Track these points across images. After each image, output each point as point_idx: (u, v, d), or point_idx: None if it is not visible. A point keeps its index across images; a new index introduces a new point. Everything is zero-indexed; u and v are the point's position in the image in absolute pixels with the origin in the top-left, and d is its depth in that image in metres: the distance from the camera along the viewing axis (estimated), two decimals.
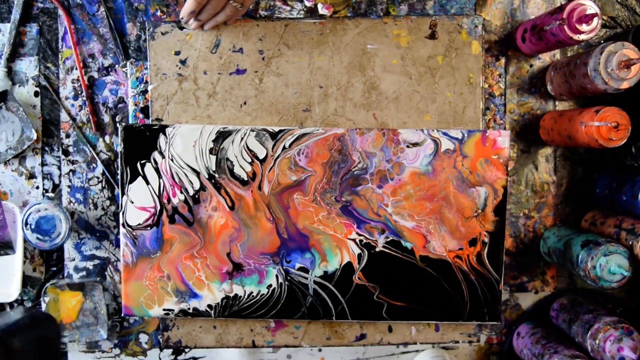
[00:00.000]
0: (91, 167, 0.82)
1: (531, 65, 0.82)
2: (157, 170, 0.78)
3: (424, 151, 0.78)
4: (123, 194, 0.79)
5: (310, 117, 0.80)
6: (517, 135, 0.83)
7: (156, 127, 0.78)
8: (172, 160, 0.78)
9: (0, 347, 0.58)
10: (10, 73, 0.81)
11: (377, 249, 0.79)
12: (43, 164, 0.82)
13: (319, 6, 0.80)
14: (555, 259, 0.78)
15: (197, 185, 0.79)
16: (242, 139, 0.78)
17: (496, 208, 0.79)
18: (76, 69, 0.81)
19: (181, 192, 0.79)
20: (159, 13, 0.81)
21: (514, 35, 0.81)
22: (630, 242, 0.72)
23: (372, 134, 0.78)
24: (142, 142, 0.78)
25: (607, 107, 0.70)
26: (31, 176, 0.82)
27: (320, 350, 0.85)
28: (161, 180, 0.79)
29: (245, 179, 0.79)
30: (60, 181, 0.82)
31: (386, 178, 0.78)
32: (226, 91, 0.80)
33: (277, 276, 0.80)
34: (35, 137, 0.80)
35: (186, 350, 0.85)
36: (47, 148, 0.82)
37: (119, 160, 0.80)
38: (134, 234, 0.79)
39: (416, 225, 0.79)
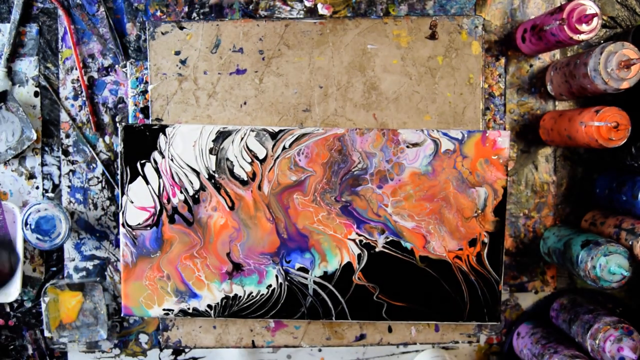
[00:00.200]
0: (91, 167, 0.82)
1: (531, 65, 0.82)
2: (157, 170, 0.78)
3: (423, 151, 0.78)
4: (123, 194, 0.79)
5: (310, 117, 0.80)
6: (517, 135, 0.83)
7: (156, 127, 0.78)
8: (172, 160, 0.78)
9: None
10: (10, 73, 0.81)
11: (377, 249, 0.79)
12: (43, 164, 0.82)
13: (319, 6, 0.80)
14: (555, 259, 0.78)
15: (197, 185, 0.79)
16: (242, 139, 0.78)
17: (496, 208, 0.79)
18: (76, 69, 0.81)
19: (181, 192, 0.79)
20: (159, 13, 0.81)
21: (514, 35, 0.81)
22: (630, 242, 0.72)
23: (372, 134, 0.78)
24: (142, 142, 0.78)
25: (607, 107, 0.70)
26: (31, 176, 0.82)
27: (320, 350, 0.85)
28: (161, 180, 0.79)
29: (245, 179, 0.79)
30: (60, 181, 0.82)
31: (386, 178, 0.78)
32: (226, 91, 0.80)
33: (276, 276, 0.80)
34: (35, 137, 0.80)
35: (186, 350, 0.85)
36: (47, 148, 0.82)
37: (119, 160, 0.80)
38: (134, 234, 0.79)
39: (416, 226, 0.79)
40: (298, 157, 0.78)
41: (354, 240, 0.79)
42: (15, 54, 0.81)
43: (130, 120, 0.81)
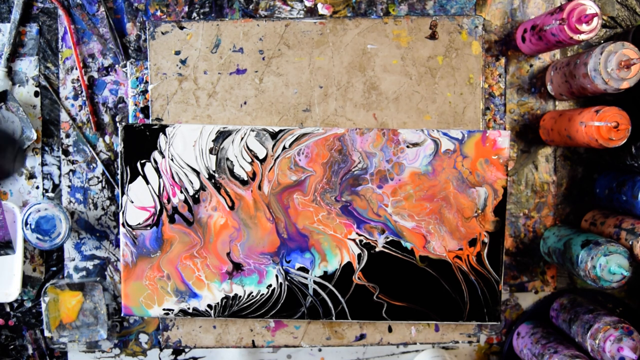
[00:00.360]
0: (91, 167, 0.82)
1: (531, 65, 0.82)
2: (157, 170, 0.78)
3: (424, 151, 0.78)
4: (123, 193, 0.79)
5: (310, 117, 0.80)
6: (517, 135, 0.83)
7: (156, 126, 0.78)
8: (172, 160, 0.78)
9: None
10: (10, 73, 0.81)
11: (377, 249, 0.79)
12: (43, 164, 0.82)
13: (319, 6, 0.80)
14: (555, 259, 0.78)
15: (197, 185, 0.79)
16: (242, 138, 0.78)
17: (496, 208, 0.79)
18: (76, 69, 0.81)
19: (181, 192, 0.79)
20: (159, 13, 0.81)
21: (514, 35, 0.81)
22: (630, 242, 0.72)
23: (372, 134, 0.78)
24: (142, 141, 0.78)
25: (607, 107, 0.70)
26: (31, 176, 0.82)
27: (320, 350, 0.85)
28: (161, 180, 0.79)
29: (245, 178, 0.79)
30: (60, 181, 0.82)
31: (386, 178, 0.78)
32: (226, 91, 0.80)
33: (276, 276, 0.80)
34: (35, 137, 0.80)
35: (186, 350, 0.85)
36: (47, 148, 0.82)
37: (119, 160, 0.80)
38: (134, 233, 0.79)
39: (416, 226, 0.79)
40: (298, 157, 0.78)
41: (354, 240, 0.79)
42: (15, 53, 0.81)
43: (131, 120, 0.81)
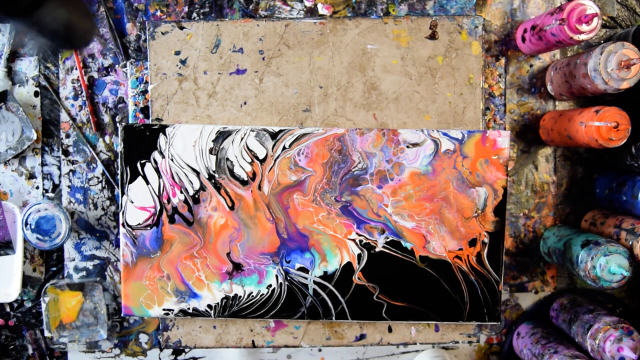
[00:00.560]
0: (91, 167, 0.82)
1: (531, 65, 0.82)
2: (157, 170, 0.78)
3: (424, 151, 0.78)
4: (123, 194, 0.79)
5: (310, 117, 0.80)
6: (517, 135, 0.83)
7: (156, 127, 0.78)
8: (172, 160, 0.78)
9: None
10: (10, 73, 0.81)
11: (377, 249, 0.79)
12: (43, 164, 0.82)
13: (319, 6, 0.80)
14: (555, 259, 0.78)
15: (197, 185, 0.79)
16: (242, 139, 0.78)
17: (496, 208, 0.79)
18: (76, 69, 0.81)
19: (181, 192, 0.79)
20: (159, 13, 0.81)
21: (514, 35, 0.81)
22: (630, 242, 0.72)
23: (372, 134, 0.78)
24: (142, 142, 0.78)
25: (607, 107, 0.70)
26: (31, 176, 0.82)
27: (320, 350, 0.85)
28: (161, 180, 0.79)
29: (245, 179, 0.79)
30: (60, 181, 0.82)
31: (386, 178, 0.78)
32: (226, 91, 0.80)
33: (276, 276, 0.80)
34: (35, 137, 0.80)
35: (186, 350, 0.85)
36: (47, 148, 0.82)
37: (119, 160, 0.80)
38: (134, 233, 0.79)
39: (416, 226, 0.79)
40: (298, 157, 0.78)
41: (354, 240, 0.79)
42: (15, 53, 0.81)
43: (130, 120, 0.81)
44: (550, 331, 0.81)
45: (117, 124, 0.82)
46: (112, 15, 0.81)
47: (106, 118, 0.82)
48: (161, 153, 0.78)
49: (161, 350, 0.85)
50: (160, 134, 0.78)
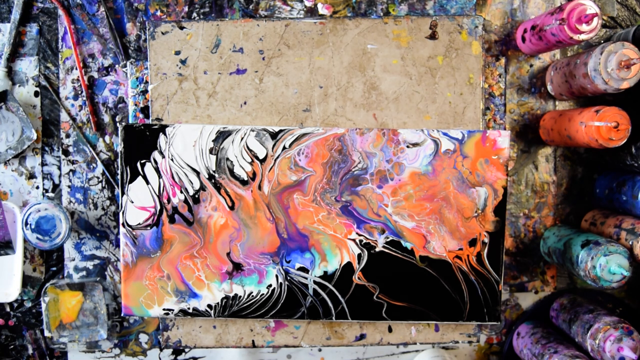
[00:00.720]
0: (91, 167, 0.82)
1: (531, 65, 0.82)
2: (157, 170, 0.78)
3: (424, 151, 0.78)
4: (123, 193, 0.79)
5: (310, 117, 0.80)
6: (517, 135, 0.83)
7: (156, 126, 0.78)
8: (172, 160, 0.78)
9: None
10: (10, 73, 0.81)
11: (377, 249, 0.79)
12: (43, 164, 0.82)
13: (319, 6, 0.80)
14: (555, 259, 0.78)
15: (197, 185, 0.79)
16: (242, 139, 0.78)
17: (496, 208, 0.79)
18: (76, 69, 0.81)
19: (181, 192, 0.79)
20: (159, 13, 0.81)
21: (514, 35, 0.81)
22: (630, 242, 0.72)
23: (372, 134, 0.78)
24: (142, 141, 0.78)
25: (607, 107, 0.70)
26: (31, 176, 0.82)
27: (320, 350, 0.85)
28: (161, 180, 0.79)
29: (245, 178, 0.79)
30: (60, 181, 0.83)
31: (386, 178, 0.78)
32: (226, 91, 0.80)
33: (276, 276, 0.80)
34: (35, 137, 0.80)
35: (186, 350, 0.85)
36: (47, 148, 0.82)
37: (119, 160, 0.80)
38: (134, 233, 0.79)
39: (416, 226, 0.79)
40: (298, 157, 0.78)
41: (354, 240, 0.79)
42: (15, 53, 0.81)
43: (131, 120, 0.81)
44: (550, 331, 0.81)
45: (117, 124, 0.82)
46: (112, 15, 0.81)
47: (106, 118, 0.82)
48: (161, 153, 0.78)
49: (161, 350, 0.85)
50: (160, 134, 0.78)
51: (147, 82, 0.80)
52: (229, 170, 0.78)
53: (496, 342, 0.85)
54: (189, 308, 0.80)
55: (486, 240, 0.79)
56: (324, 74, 0.80)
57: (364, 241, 0.79)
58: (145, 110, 0.81)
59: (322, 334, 0.83)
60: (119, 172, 0.80)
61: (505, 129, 0.82)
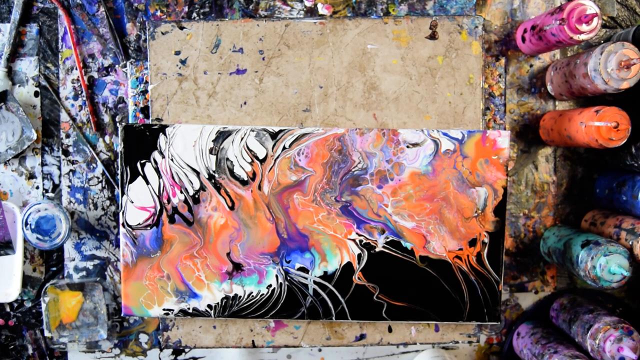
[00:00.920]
0: (91, 167, 0.82)
1: (531, 65, 0.82)
2: (157, 170, 0.78)
3: (424, 151, 0.78)
4: (123, 194, 0.79)
5: (310, 117, 0.80)
6: (517, 135, 0.83)
7: (156, 127, 0.78)
8: (172, 160, 0.78)
9: None
10: (10, 73, 0.81)
11: (377, 249, 0.79)
12: (43, 164, 0.82)
13: (319, 6, 0.80)
14: (555, 259, 0.78)
15: (197, 185, 0.79)
16: (242, 139, 0.78)
17: (496, 208, 0.79)
18: (76, 69, 0.81)
19: (181, 192, 0.79)
20: (159, 13, 0.81)
21: (514, 35, 0.81)
22: (630, 242, 0.72)
23: (372, 134, 0.78)
24: (142, 142, 0.78)
25: (607, 107, 0.70)
26: (31, 176, 0.82)
27: (320, 350, 0.85)
28: (161, 180, 0.79)
29: (245, 179, 0.79)
30: (60, 181, 0.83)
31: (386, 178, 0.78)
32: (226, 91, 0.80)
33: (276, 276, 0.80)
34: (35, 137, 0.80)
35: (186, 350, 0.85)
36: (47, 148, 0.82)
37: (119, 160, 0.80)
38: (134, 233, 0.79)
39: (416, 226, 0.79)
40: (298, 157, 0.78)
41: (354, 240, 0.79)
42: (15, 53, 0.81)
43: (130, 120, 0.81)
44: (550, 331, 0.81)
45: (117, 124, 0.82)
46: (112, 15, 0.81)
47: (106, 118, 0.82)
48: (161, 153, 0.78)
49: (161, 350, 0.85)
50: (160, 134, 0.78)
51: (147, 82, 0.80)
52: (229, 170, 0.79)
53: (496, 342, 0.85)
54: (189, 308, 0.80)
55: (486, 240, 0.79)
56: (324, 74, 0.80)
57: (364, 241, 0.79)
58: (145, 110, 0.81)
59: (322, 334, 0.83)
60: (119, 172, 0.80)
61: (505, 129, 0.82)
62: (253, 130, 0.78)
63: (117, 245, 0.83)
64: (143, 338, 0.84)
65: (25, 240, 0.78)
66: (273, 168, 0.78)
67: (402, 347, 0.85)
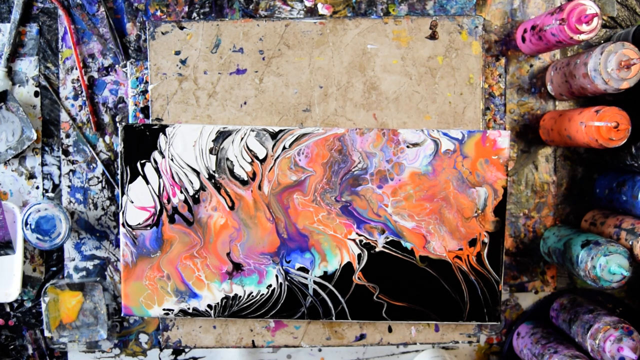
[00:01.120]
0: (91, 167, 0.82)
1: (531, 65, 0.82)
2: (157, 170, 0.78)
3: (424, 151, 0.78)
4: (123, 193, 0.79)
5: (311, 117, 0.80)
6: (517, 135, 0.83)
7: (156, 126, 0.78)
8: (172, 160, 0.78)
9: None
10: (10, 73, 0.81)
11: (377, 249, 0.79)
12: (43, 164, 0.82)
13: (319, 6, 0.80)
14: (555, 259, 0.78)
15: (197, 185, 0.79)
16: (242, 139, 0.78)
17: (496, 208, 0.79)
18: (76, 69, 0.81)
19: (181, 192, 0.79)
20: (159, 13, 0.81)
21: (514, 35, 0.81)
22: (630, 242, 0.72)
23: (372, 134, 0.78)
24: (142, 141, 0.78)
25: (607, 107, 0.70)
26: (31, 176, 0.82)
27: (320, 350, 0.85)
28: (161, 180, 0.79)
29: (245, 179, 0.79)
30: (60, 181, 0.83)
31: (386, 178, 0.78)
32: (226, 91, 0.80)
33: (276, 276, 0.80)
34: (35, 137, 0.80)
35: (186, 350, 0.85)
36: (47, 148, 0.82)
37: (119, 160, 0.80)
38: (134, 233, 0.79)
39: (416, 226, 0.79)
40: (298, 157, 0.78)
41: (354, 240, 0.79)
42: (15, 53, 0.81)
43: (131, 120, 0.81)
44: (550, 331, 0.81)
45: (117, 124, 0.82)
46: (112, 15, 0.81)
47: (106, 118, 0.82)
48: (161, 153, 0.78)
49: (161, 350, 0.85)
50: (160, 134, 0.78)
51: (147, 82, 0.80)
52: (229, 170, 0.79)
53: (496, 342, 0.85)
54: (189, 308, 0.80)
55: (486, 240, 0.79)
56: (324, 74, 0.80)
57: (364, 241, 0.79)
58: (145, 110, 0.81)
59: (322, 334, 0.83)
60: (119, 172, 0.80)
61: (505, 129, 0.82)
62: (253, 130, 0.78)
63: (117, 245, 0.83)
64: (143, 338, 0.84)
65: (25, 240, 0.78)
66: (273, 168, 0.78)
67: (402, 347, 0.85)
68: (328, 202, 0.79)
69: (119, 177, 0.80)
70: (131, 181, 0.79)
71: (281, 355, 0.85)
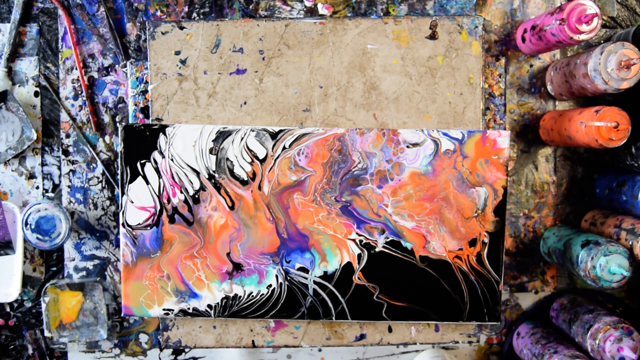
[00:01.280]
0: (91, 167, 0.82)
1: (531, 65, 0.82)
2: (157, 170, 0.78)
3: (424, 151, 0.78)
4: (123, 193, 0.79)
5: (310, 117, 0.80)
6: (517, 135, 0.83)
7: (156, 126, 0.78)
8: (172, 160, 0.78)
9: None
10: (10, 73, 0.81)
11: (377, 249, 0.79)
12: (43, 164, 0.82)
13: (319, 6, 0.80)
14: (555, 259, 0.78)
15: (197, 185, 0.79)
16: (242, 139, 0.78)
17: (496, 208, 0.79)
18: (76, 69, 0.81)
19: (181, 192, 0.79)
20: (159, 13, 0.81)
21: (514, 35, 0.81)
22: (630, 242, 0.72)
23: (372, 134, 0.78)
24: (142, 142, 0.78)
25: (607, 107, 0.70)
26: (31, 176, 0.82)
27: (320, 350, 0.85)
28: (161, 180, 0.79)
29: (245, 179, 0.79)
30: (60, 181, 0.83)
31: (386, 178, 0.78)
32: (226, 91, 0.80)
33: (276, 276, 0.80)
34: (35, 137, 0.80)
35: (186, 350, 0.85)
36: (47, 148, 0.82)
37: (119, 160, 0.80)
38: (134, 233, 0.79)
39: (416, 226, 0.79)
40: (298, 157, 0.78)
41: (354, 240, 0.79)
42: (15, 53, 0.81)
43: (130, 120, 0.81)
44: (550, 331, 0.81)
45: (117, 124, 0.82)
46: (112, 15, 0.81)
47: (106, 118, 0.82)
48: (161, 153, 0.78)
49: (161, 350, 0.85)
50: (160, 134, 0.78)
51: (147, 82, 0.80)
52: (229, 170, 0.79)
53: (496, 342, 0.85)
54: (189, 308, 0.80)
55: (486, 240, 0.79)
56: (324, 74, 0.80)
57: (364, 241, 0.79)
58: (145, 110, 0.81)
59: (322, 334, 0.83)
60: (119, 172, 0.80)
61: (505, 129, 0.82)
62: (253, 130, 0.78)
63: (117, 245, 0.83)
64: (143, 338, 0.85)
65: (25, 240, 0.78)
66: (273, 168, 0.78)
67: (402, 347, 0.85)
68: (328, 202, 0.79)
69: (119, 177, 0.80)
70: (131, 181, 0.79)
71: (281, 355, 0.85)
